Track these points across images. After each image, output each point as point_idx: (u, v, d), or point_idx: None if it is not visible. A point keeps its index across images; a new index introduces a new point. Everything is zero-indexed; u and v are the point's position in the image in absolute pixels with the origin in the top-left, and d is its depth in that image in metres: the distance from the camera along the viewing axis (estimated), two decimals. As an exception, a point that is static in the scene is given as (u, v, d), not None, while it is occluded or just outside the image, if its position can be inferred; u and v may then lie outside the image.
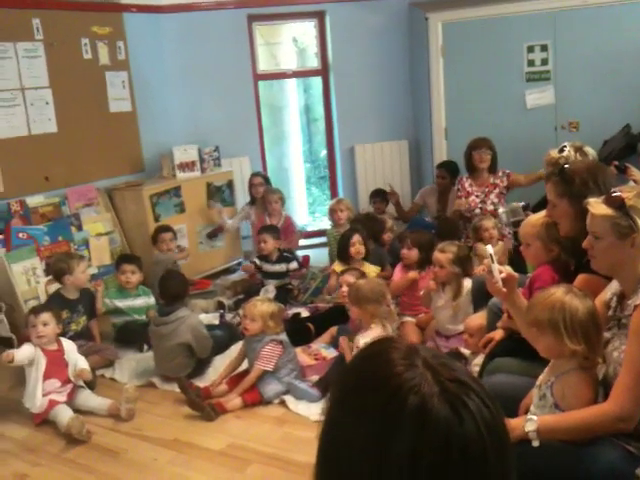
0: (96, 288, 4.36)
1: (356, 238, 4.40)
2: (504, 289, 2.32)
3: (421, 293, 3.90)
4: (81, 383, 3.60)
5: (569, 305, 2.04)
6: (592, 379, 2.06)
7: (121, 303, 4.44)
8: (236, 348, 4.02)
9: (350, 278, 3.89)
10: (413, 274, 4.05)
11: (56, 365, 3.51)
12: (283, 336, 3.61)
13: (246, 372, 3.62)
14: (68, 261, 4.13)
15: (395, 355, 0.91)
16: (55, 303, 3.92)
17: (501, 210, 4.44)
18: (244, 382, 3.51)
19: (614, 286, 2.18)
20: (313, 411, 3.31)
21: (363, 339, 3.32)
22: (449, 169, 5.59)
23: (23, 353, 3.43)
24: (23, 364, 3.46)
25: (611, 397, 1.92)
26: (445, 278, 3.68)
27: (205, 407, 3.36)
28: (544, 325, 2.07)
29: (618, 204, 1.99)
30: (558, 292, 2.10)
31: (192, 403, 3.39)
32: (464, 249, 3.81)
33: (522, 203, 4.28)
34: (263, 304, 3.59)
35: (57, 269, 4.16)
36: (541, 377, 2.20)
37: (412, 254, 4.08)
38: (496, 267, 2.33)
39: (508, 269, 2.47)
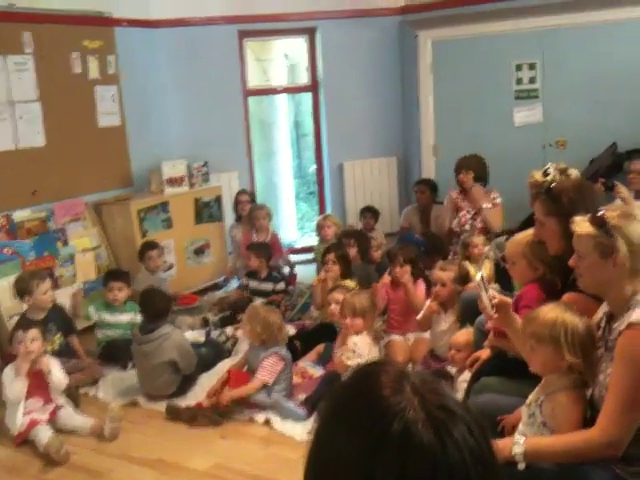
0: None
1: (329, 257, 4.38)
2: (495, 315, 2.32)
3: (418, 317, 3.81)
4: (64, 401, 3.54)
5: (570, 320, 2.08)
6: (582, 399, 2.06)
7: (106, 317, 4.40)
8: (222, 366, 3.99)
9: (339, 296, 3.87)
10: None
11: (38, 384, 3.46)
12: (287, 352, 3.59)
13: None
14: (28, 281, 4.01)
15: (384, 378, 0.90)
16: (22, 326, 3.69)
17: (487, 249, 4.43)
18: (241, 390, 3.49)
19: (605, 306, 2.18)
20: (299, 431, 3.27)
21: (354, 338, 3.35)
22: (428, 184, 5.62)
23: (14, 391, 3.38)
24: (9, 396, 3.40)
25: (598, 424, 1.91)
26: (447, 297, 3.63)
27: (207, 414, 3.37)
28: (544, 338, 2.09)
29: (600, 223, 1.99)
30: (558, 308, 2.14)
31: (192, 419, 3.39)
32: (465, 267, 3.79)
33: (504, 237, 4.29)
34: (265, 312, 3.58)
35: (17, 289, 4.06)
36: (531, 396, 2.20)
37: (405, 271, 4.04)
38: (485, 294, 2.34)
39: (501, 296, 2.44)
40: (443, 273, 3.65)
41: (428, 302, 3.73)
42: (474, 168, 4.89)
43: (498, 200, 4.93)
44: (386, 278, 4.09)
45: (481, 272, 2.49)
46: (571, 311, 2.11)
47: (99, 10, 5.34)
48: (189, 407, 3.52)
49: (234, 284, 5.67)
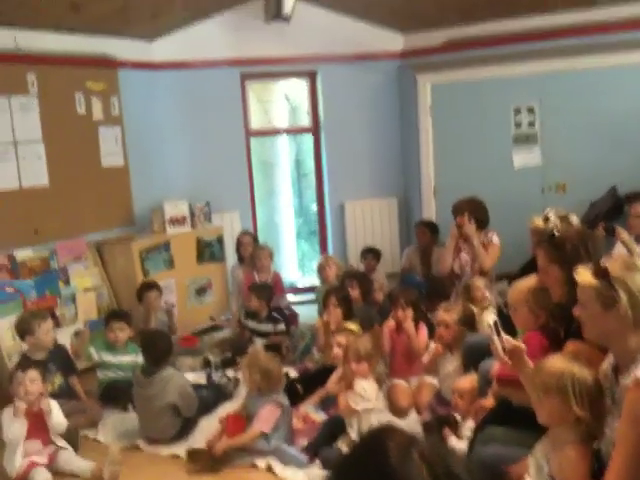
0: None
1: (331, 300, 4.37)
2: (508, 360, 2.32)
3: (424, 359, 3.80)
4: (63, 443, 3.50)
5: (578, 372, 2.08)
6: (589, 454, 2.05)
7: (107, 357, 4.38)
8: (223, 409, 3.95)
9: (342, 339, 3.86)
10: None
11: (38, 426, 3.42)
12: (284, 399, 3.55)
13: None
14: (30, 321, 4.00)
15: (392, 445, 0.90)
16: (22, 366, 3.68)
17: (487, 294, 4.43)
18: (240, 439, 3.45)
19: (611, 356, 2.17)
20: (301, 477, 3.24)
21: (362, 383, 3.33)
22: (428, 226, 5.65)
23: (13, 432, 3.35)
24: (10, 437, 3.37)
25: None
26: (452, 339, 3.61)
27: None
28: (551, 390, 2.09)
29: (603, 274, 2.00)
30: (565, 360, 2.14)
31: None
32: (470, 308, 3.77)
33: (506, 282, 4.29)
34: (265, 359, 3.54)
35: (18, 329, 4.05)
36: (538, 447, 2.18)
37: (407, 314, 4.03)
38: (498, 339, 2.33)
39: (514, 341, 2.43)
40: (447, 315, 3.64)
41: (433, 345, 3.72)
42: (470, 210, 4.92)
43: (495, 240, 4.94)
44: (390, 322, 4.07)
45: (494, 316, 2.48)
46: (579, 362, 2.11)
47: (103, 52, 5.43)
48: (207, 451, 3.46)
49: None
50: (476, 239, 4.86)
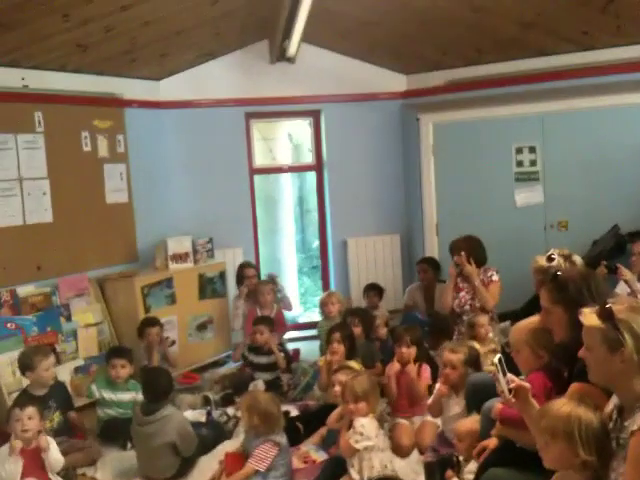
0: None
1: (334, 337, 4.34)
2: (513, 400, 2.30)
3: (429, 402, 3.77)
4: (60, 481, 3.46)
5: (585, 416, 2.05)
6: (596, 498, 2.01)
7: (107, 395, 4.34)
8: (223, 448, 3.91)
9: (343, 377, 3.82)
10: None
11: (33, 463, 3.37)
12: (281, 437, 3.50)
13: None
14: (32, 357, 3.99)
15: None
16: (22, 401, 3.67)
17: (491, 335, 4.41)
18: (234, 477, 3.39)
19: (615, 397, 2.15)
20: (301, 518, 3.19)
21: (361, 420, 3.29)
22: (430, 263, 5.66)
23: (8, 471, 3.29)
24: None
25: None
26: (457, 380, 3.57)
27: None
28: (558, 434, 2.06)
29: (608, 316, 1.99)
30: (571, 403, 2.12)
31: None
32: (475, 348, 3.75)
33: (508, 322, 4.28)
34: (265, 401, 3.50)
35: (20, 365, 4.04)
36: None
37: (411, 352, 4.01)
38: (502, 377, 2.32)
39: (519, 381, 2.41)
40: (453, 355, 3.61)
41: (438, 385, 3.70)
42: (466, 249, 4.93)
43: (495, 277, 4.93)
44: (395, 365, 4.02)
45: (499, 355, 2.46)
46: (585, 405, 2.09)
47: (110, 91, 5.51)
48: None
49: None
50: (477, 279, 4.86)
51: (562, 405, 2.11)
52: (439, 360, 4.54)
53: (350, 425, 3.36)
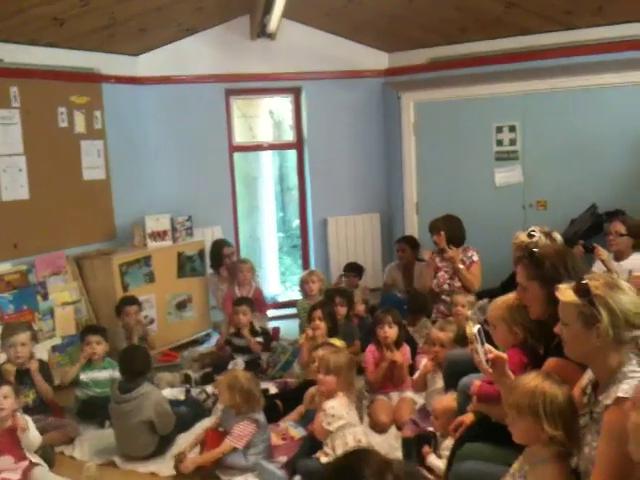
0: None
1: (316, 314, 4.37)
2: (490, 370, 2.31)
3: (414, 377, 3.81)
4: (37, 460, 3.44)
5: (549, 391, 2.06)
6: (566, 471, 2.04)
7: (85, 375, 4.31)
8: (201, 425, 3.91)
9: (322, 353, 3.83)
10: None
11: (9, 442, 3.35)
12: (260, 415, 3.51)
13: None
14: (8, 332, 4.04)
15: (367, 471, 0.89)
16: None
17: (470, 312, 4.44)
18: (210, 454, 3.42)
19: (590, 372, 2.17)
20: (280, 494, 3.21)
21: (330, 402, 3.29)
22: (408, 242, 5.67)
23: None
24: None
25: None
26: (443, 358, 3.58)
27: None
28: (523, 409, 2.08)
29: (584, 292, 2.00)
30: (538, 378, 2.13)
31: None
32: (463, 328, 3.76)
33: (486, 300, 4.30)
34: (245, 380, 3.50)
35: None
36: (515, 465, 2.17)
37: (393, 332, 4.03)
38: (481, 348, 2.33)
39: (497, 352, 2.43)
40: (442, 334, 3.65)
41: (424, 362, 3.72)
42: (445, 229, 4.95)
43: (475, 258, 4.97)
44: (371, 350, 4.05)
45: (478, 325, 2.47)
46: (551, 380, 2.10)
47: (88, 66, 5.42)
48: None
49: (215, 339, 5.62)
50: (459, 263, 4.88)
51: (528, 380, 2.12)
52: (418, 337, 4.59)
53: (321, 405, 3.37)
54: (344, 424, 3.26)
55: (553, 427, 2.01)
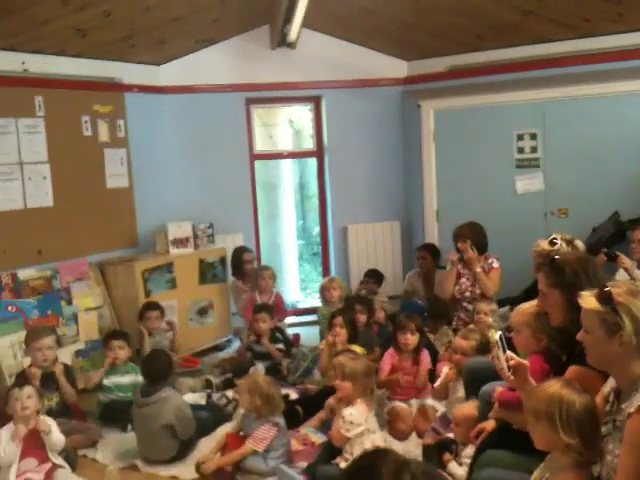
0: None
1: (337, 321, 4.38)
2: (512, 377, 2.31)
3: (436, 385, 3.81)
4: (60, 462, 3.49)
5: (567, 398, 2.05)
6: (587, 478, 2.02)
7: (107, 380, 4.36)
8: (222, 430, 3.94)
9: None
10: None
11: (33, 443, 3.41)
12: (280, 419, 3.53)
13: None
14: (28, 337, 4.12)
15: (385, 470, 0.89)
16: (19, 382, 3.69)
17: (491, 320, 4.42)
18: (230, 456, 3.44)
19: (612, 380, 2.16)
20: (300, 499, 3.22)
21: (349, 409, 3.29)
22: (429, 250, 5.66)
23: (7, 454, 3.32)
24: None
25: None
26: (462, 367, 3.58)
27: None
28: (541, 415, 2.08)
29: (607, 299, 2.00)
30: (557, 384, 2.12)
31: None
32: (486, 336, 3.76)
33: (507, 307, 4.29)
34: (266, 384, 3.53)
35: (25, 342, 4.14)
36: (536, 473, 2.16)
37: (414, 339, 4.03)
38: (502, 355, 2.33)
39: (518, 358, 2.44)
40: (465, 342, 3.65)
41: (445, 370, 3.72)
42: (470, 236, 4.93)
43: (495, 265, 4.95)
44: (390, 353, 4.06)
45: (500, 332, 2.47)
46: (570, 388, 2.09)
47: (110, 76, 5.50)
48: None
49: (236, 345, 5.66)
50: (477, 265, 4.87)
51: (547, 387, 2.11)
52: (438, 344, 4.58)
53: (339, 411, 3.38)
54: (362, 431, 3.27)
55: (569, 435, 2.00)
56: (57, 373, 4.08)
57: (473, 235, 4.94)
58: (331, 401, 3.73)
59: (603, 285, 2.07)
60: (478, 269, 4.88)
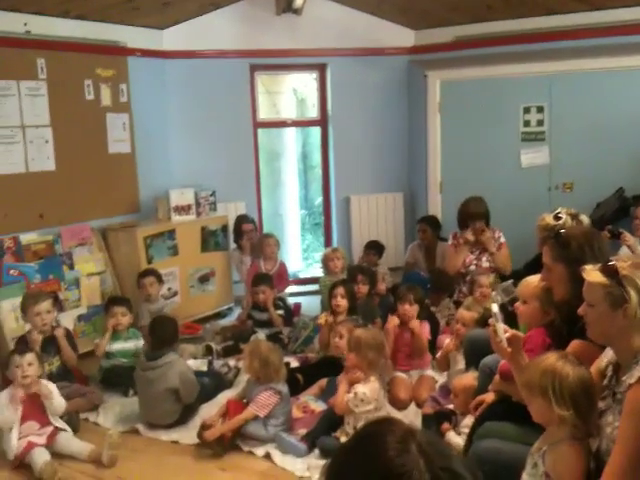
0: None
1: (338, 291, 4.39)
2: (509, 349, 2.32)
3: (437, 356, 3.84)
4: (62, 425, 3.52)
5: (560, 370, 2.05)
6: (584, 451, 2.03)
7: (110, 346, 4.38)
8: (223, 397, 3.97)
9: (344, 330, 3.87)
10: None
11: (34, 408, 3.45)
12: (283, 387, 3.57)
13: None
14: (24, 301, 4.11)
15: (390, 438, 0.89)
16: (21, 347, 3.74)
17: (494, 293, 4.42)
18: (232, 421, 3.47)
19: (610, 353, 2.16)
20: (299, 466, 3.26)
21: (363, 388, 3.31)
22: (429, 223, 5.64)
23: (6, 417, 3.37)
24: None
25: (604, 477, 1.89)
26: (463, 338, 3.61)
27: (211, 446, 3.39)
28: (534, 389, 2.08)
29: (612, 273, 1.99)
30: (552, 357, 2.12)
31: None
32: (488, 309, 3.76)
33: (510, 281, 4.28)
34: (266, 349, 3.56)
35: (22, 308, 4.15)
36: (535, 445, 2.18)
37: (413, 310, 4.04)
38: (501, 326, 2.34)
39: (514, 330, 2.44)
40: (467, 313, 3.69)
41: (447, 341, 3.74)
42: (485, 216, 4.93)
43: (502, 239, 4.96)
44: (394, 320, 4.05)
45: (498, 303, 2.48)
46: (565, 360, 2.08)
47: (114, 39, 5.43)
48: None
49: (237, 313, 5.68)
50: (493, 246, 4.87)
51: (543, 360, 2.11)
52: (440, 317, 4.59)
53: (351, 384, 3.39)
54: (370, 409, 3.29)
55: (563, 407, 2.00)
56: (59, 336, 4.10)
57: (487, 213, 4.93)
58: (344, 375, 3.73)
59: (607, 259, 2.06)
60: (493, 249, 4.87)
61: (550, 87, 5.43)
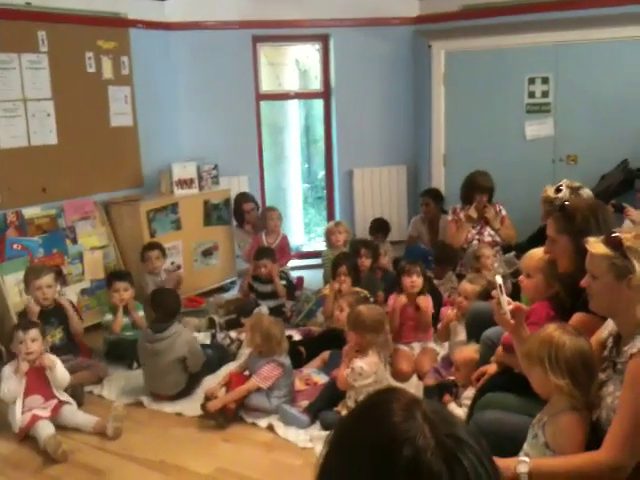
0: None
1: (341, 270, 4.39)
2: (512, 321, 2.32)
3: (439, 327, 3.86)
4: (66, 398, 3.55)
5: (557, 340, 2.05)
6: (584, 421, 2.04)
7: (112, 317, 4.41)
8: (226, 369, 4.00)
9: (345, 304, 3.88)
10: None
11: (38, 381, 3.48)
12: (286, 360, 3.60)
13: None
14: (26, 276, 4.14)
15: (395, 405, 0.90)
16: (23, 324, 3.67)
17: (496, 265, 4.42)
18: (235, 392, 3.51)
19: (610, 325, 2.17)
20: (302, 438, 3.29)
21: (360, 362, 3.32)
22: (432, 196, 5.61)
23: (10, 389, 3.40)
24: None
25: (604, 446, 1.90)
26: (466, 310, 3.61)
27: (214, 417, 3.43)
28: (533, 359, 2.09)
29: (616, 244, 1.98)
30: (550, 327, 2.12)
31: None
32: (493, 284, 3.76)
33: (513, 253, 4.28)
34: (268, 323, 3.59)
35: (24, 281, 4.17)
36: (537, 416, 2.19)
37: (420, 281, 4.04)
38: (505, 299, 2.34)
39: (517, 302, 2.44)
40: (469, 286, 3.67)
41: (449, 311, 3.75)
42: (491, 189, 4.92)
43: (504, 212, 4.95)
44: (402, 299, 4.05)
45: (501, 275, 2.47)
46: (563, 330, 2.08)
47: (115, 11, 5.37)
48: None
49: (239, 286, 5.69)
50: (498, 222, 4.86)
51: (542, 331, 2.12)
52: (443, 290, 4.60)
53: (350, 358, 3.41)
54: (369, 383, 3.31)
55: (559, 376, 2.00)
56: (65, 305, 4.15)
57: (493, 188, 4.93)
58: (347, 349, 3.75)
59: (611, 231, 2.06)
60: (498, 226, 4.87)
61: (556, 58, 5.37)
